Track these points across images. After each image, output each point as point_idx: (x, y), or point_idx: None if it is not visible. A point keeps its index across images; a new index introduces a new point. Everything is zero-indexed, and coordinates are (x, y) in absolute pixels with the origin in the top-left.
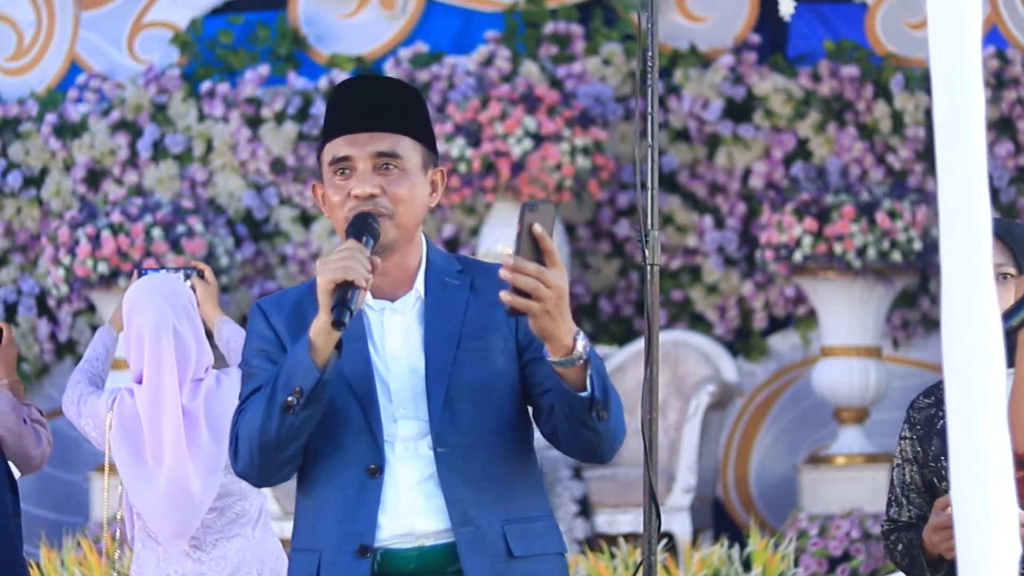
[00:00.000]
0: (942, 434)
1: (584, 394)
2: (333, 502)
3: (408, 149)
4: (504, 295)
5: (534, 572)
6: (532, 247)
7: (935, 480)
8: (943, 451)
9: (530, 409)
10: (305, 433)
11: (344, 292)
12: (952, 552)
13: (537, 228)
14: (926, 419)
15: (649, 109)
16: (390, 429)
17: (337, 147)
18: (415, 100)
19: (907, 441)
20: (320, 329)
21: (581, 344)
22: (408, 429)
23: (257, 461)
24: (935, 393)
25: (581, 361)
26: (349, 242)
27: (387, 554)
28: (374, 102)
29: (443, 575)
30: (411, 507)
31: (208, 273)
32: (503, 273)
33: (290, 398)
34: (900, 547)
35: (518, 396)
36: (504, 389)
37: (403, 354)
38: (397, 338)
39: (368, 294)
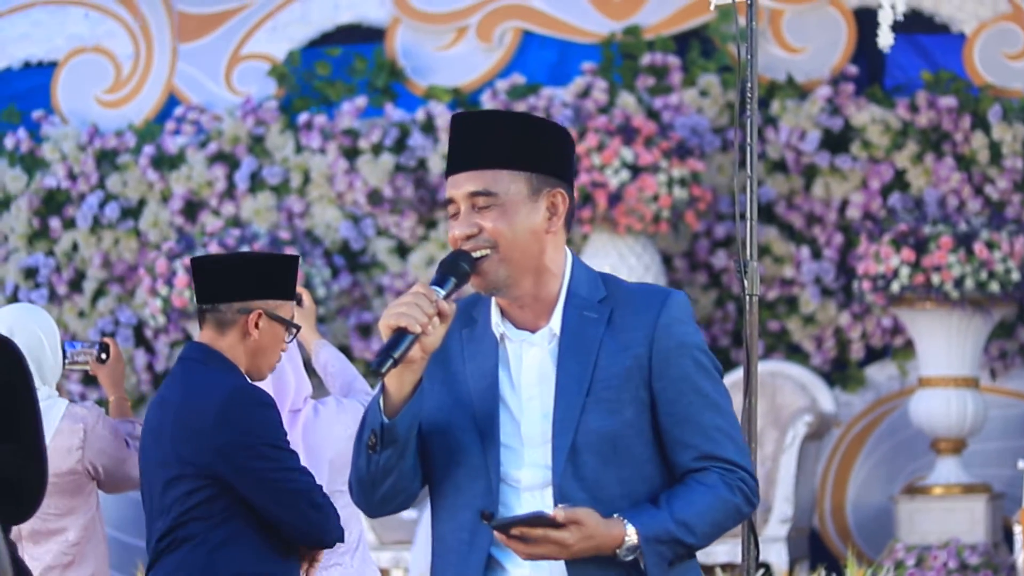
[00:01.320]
0: None
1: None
2: (449, 543)
3: (505, 182)
4: (516, 552)
5: None
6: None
7: None
8: None
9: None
10: (396, 471)
11: (395, 339)
12: None
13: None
14: None
15: (747, 140)
16: (515, 474)
17: (446, 189)
18: (517, 127)
19: None
20: (391, 375)
21: (623, 550)
22: (534, 476)
23: (360, 495)
24: None
25: (631, 557)
26: (417, 285)
27: None
28: (469, 140)
29: None
30: (511, 563)
31: (306, 297)
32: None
33: (371, 439)
34: None
35: (650, 444)
36: (633, 439)
37: (537, 395)
38: (532, 376)
39: (507, 324)
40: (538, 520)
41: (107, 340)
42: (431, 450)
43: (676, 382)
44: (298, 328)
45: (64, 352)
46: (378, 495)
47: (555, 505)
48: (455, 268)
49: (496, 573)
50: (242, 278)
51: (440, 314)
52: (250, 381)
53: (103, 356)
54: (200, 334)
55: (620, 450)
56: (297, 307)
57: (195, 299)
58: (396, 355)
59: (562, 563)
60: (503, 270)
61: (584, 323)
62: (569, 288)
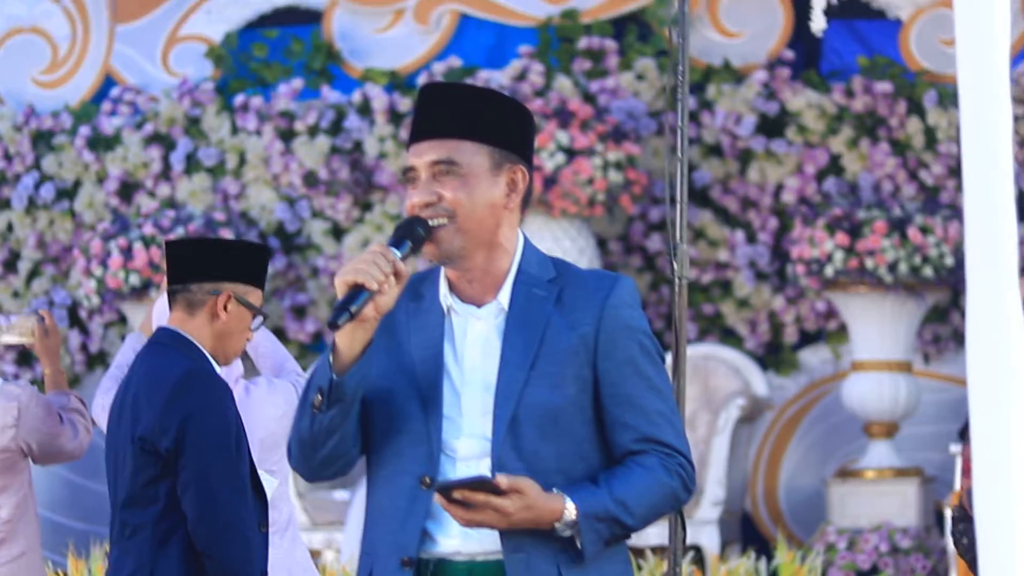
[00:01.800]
0: None
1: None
2: (386, 509)
3: (468, 153)
4: (456, 517)
5: None
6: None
7: None
8: None
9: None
10: (338, 431)
11: (351, 295)
12: None
13: (471, 495)
14: None
15: (679, 124)
16: (453, 443)
17: (407, 157)
18: (483, 101)
19: None
20: (342, 332)
21: (561, 524)
22: (471, 447)
23: (300, 457)
24: None
25: (568, 533)
26: (374, 245)
27: (440, 564)
28: (435, 109)
29: None
30: (449, 530)
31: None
32: (440, 501)
33: (317, 398)
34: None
35: (589, 423)
36: (574, 416)
37: (480, 367)
38: (476, 349)
39: (453, 297)
40: (481, 484)
41: (43, 312)
42: (372, 417)
43: (621, 364)
44: (265, 316)
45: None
46: (319, 457)
47: (495, 471)
48: (411, 232)
49: (427, 544)
50: (214, 260)
51: (396, 274)
52: (215, 366)
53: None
54: (170, 317)
55: (561, 426)
56: None
57: (167, 281)
58: (353, 309)
59: (495, 536)
60: (458, 240)
61: (532, 300)
62: (520, 266)
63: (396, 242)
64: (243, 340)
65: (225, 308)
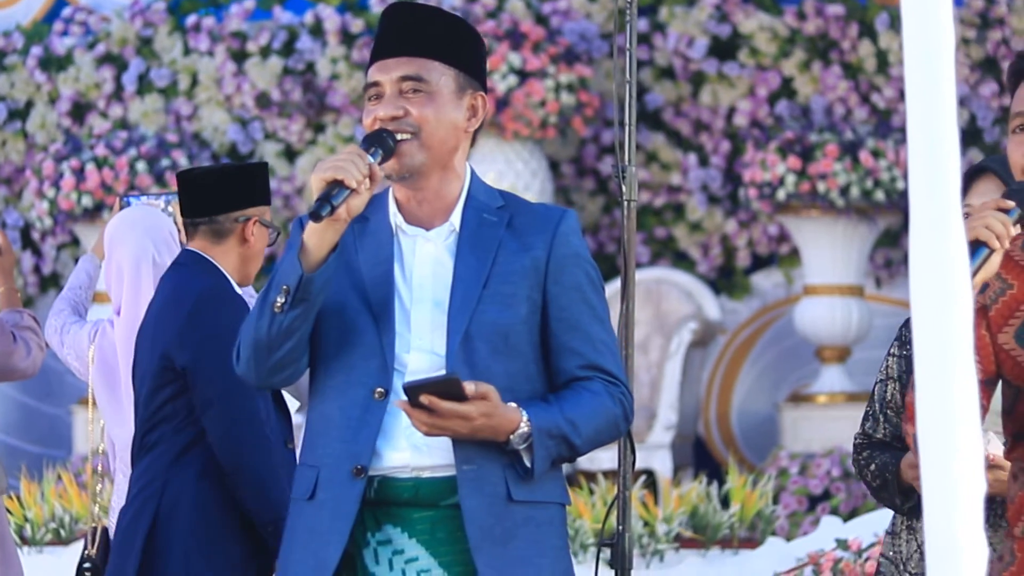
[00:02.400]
0: None
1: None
2: (336, 420)
3: (436, 72)
4: (419, 423)
5: (532, 518)
6: (448, 390)
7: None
8: None
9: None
10: (296, 334)
11: (330, 189)
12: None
13: (433, 400)
14: None
15: (628, 46)
16: (403, 358)
17: (371, 74)
18: (451, 25)
19: (894, 358)
20: (312, 230)
21: (516, 436)
22: (421, 361)
23: (252, 361)
24: None
25: (521, 446)
26: (350, 146)
27: (384, 481)
28: (404, 28)
29: (437, 508)
30: (410, 440)
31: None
32: (400, 405)
33: (279, 297)
34: (873, 467)
35: (536, 346)
36: (523, 335)
37: (429, 285)
38: (426, 268)
39: (401, 218)
40: (448, 385)
41: None
42: (322, 328)
43: (569, 290)
44: (279, 232)
45: None
46: (272, 361)
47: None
48: (382, 141)
49: (374, 460)
50: (235, 189)
51: (371, 177)
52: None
53: None
54: (191, 243)
55: (511, 345)
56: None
57: (183, 212)
58: (336, 203)
59: (443, 451)
60: (420, 156)
61: (484, 224)
62: (469, 191)
63: (367, 148)
64: (262, 259)
65: (252, 232)
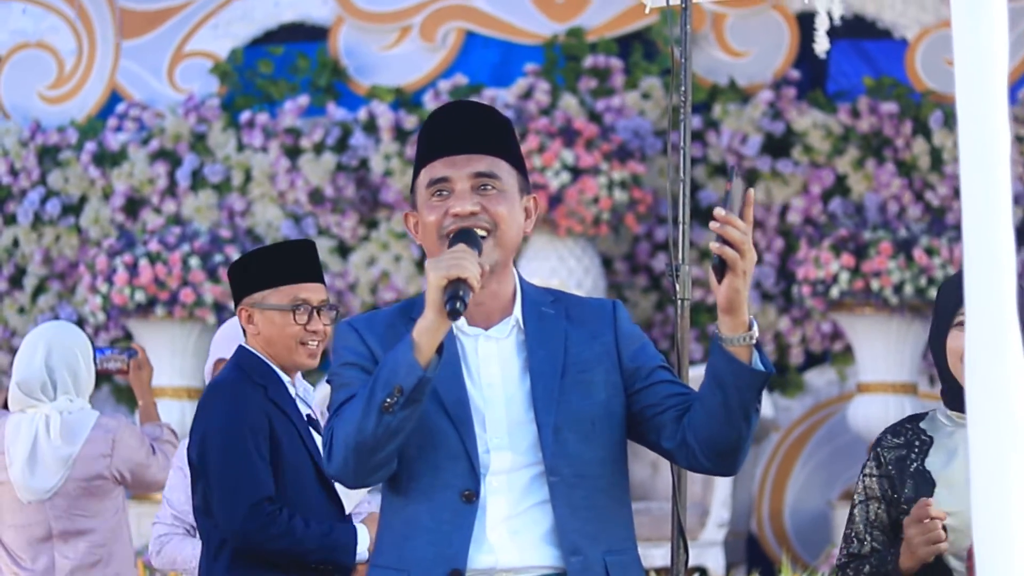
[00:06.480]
0: (916, 476)
1: (760, 368)
2: (424, 523)
3: (505, 172)
4: (714, 245)
5: None
6: (738, 207)
7: (903, 521)
8: (917, 493)
9: (646, 434)
10: (402, 435)
11: (456, 288)
12: (931, 547)
13: (751, 192)
14: (897, 459)
15: (682, 144)
16: (484, 459)
17: (435, 169)
18: (508, 126)
19: (874, 479)
20: (425, 328)
21: (755, 324)
22: (502, 461)
23: (352, 462)
24: (904, 434)
25: (753, 340)
26: (460, 245)
27: None
28: (471, 125)
29: None
30: (496, 542)
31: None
32: (713, 225)
33: (389, 398)
34: (867, 568)
35: (620, 429)
36: (607, 421)
37: (499, 383)
38: (494, 367)
39: (463, 320)
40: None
41: (136, 346)
42: None
43: (640, 351)
44: (300, 304)
45: (95, 359)
46: (375, 460)
47: (547, 480)
48: (475, 240)
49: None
50: (233, 281)
51: (482, 274)
52: (282, 377)
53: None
54: None
55: (598, 431)
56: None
57: None
58: (468, 300)
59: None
60: (495, 254)
61: (544, 318)
62: (522, 288)
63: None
64: (293, 342)
65: (250, 320)
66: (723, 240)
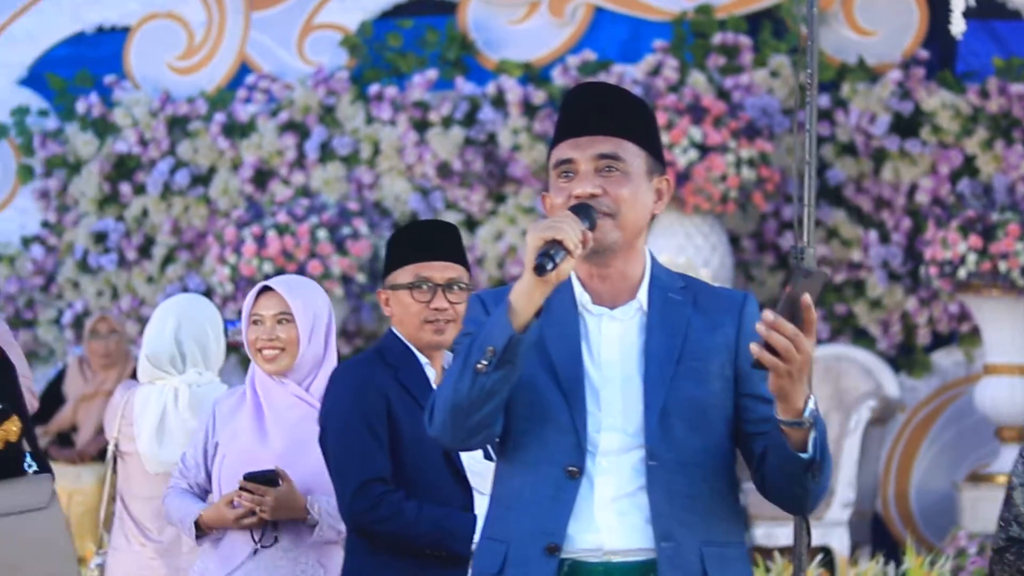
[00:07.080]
0: None
1: (805, 456)
2: (527, 496)
3: (631, 154)
4: (754, 347)
5: None
6: (793, 310)
7: None
8: None
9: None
10: (498, 397)
11: (549, 248)
12: None
13: (806, 298)
14: None
15: (808, 123)
16: (593, 438)
17: (561, 151)
18: (640, 108)
19: None
20: (520, 290)
21: (810, 407)
22: (612, 441)
23: (449, 422)
24: None
25: (808, 425)
26: (565, 211)
27: (574, 565)
28: (598, 107)
29: None
30: (603, 522)
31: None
32: (760, 328)
33: (483, 359)
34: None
35: (729, 422)
36: (718, 411)
37: (618, 364)
38: (614, 347)
39: (588, 297)
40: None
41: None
42: (514, 403)
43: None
44: (421, 282)
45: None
46: (471, 422)
47: (646, 464)
48: (588, 214)
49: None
50: (380, 267)
51: (583, 242)
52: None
53: None
54: None
55: (707, 420)
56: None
57: None
58: (558, 261)
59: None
60: (615, 235)
61: (670, 303)
62: (652, 271)
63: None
64: (417, 320)
65: (387, 303)
66: (766, 345)
